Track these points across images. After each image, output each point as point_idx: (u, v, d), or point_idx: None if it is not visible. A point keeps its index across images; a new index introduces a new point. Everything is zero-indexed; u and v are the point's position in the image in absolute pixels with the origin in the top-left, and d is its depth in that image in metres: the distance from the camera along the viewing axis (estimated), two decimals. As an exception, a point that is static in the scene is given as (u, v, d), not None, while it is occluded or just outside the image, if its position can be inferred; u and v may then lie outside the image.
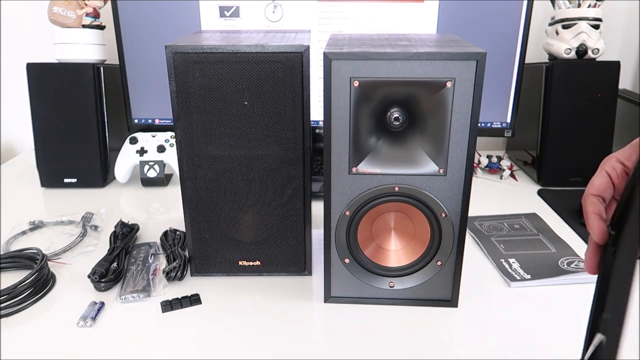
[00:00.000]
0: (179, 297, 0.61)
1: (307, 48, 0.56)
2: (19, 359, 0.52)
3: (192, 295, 0.62)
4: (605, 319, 0.32)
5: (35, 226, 0.81)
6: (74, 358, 0.52)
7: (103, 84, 0.94)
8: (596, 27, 0.96)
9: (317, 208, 0.61)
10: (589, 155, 0.97)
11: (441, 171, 0.54)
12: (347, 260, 0.59)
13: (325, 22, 0.93)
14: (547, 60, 1.02)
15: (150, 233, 0.78)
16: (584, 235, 0.78)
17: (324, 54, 0.51)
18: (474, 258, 0.72)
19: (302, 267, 0.67)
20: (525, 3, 0.92)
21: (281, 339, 0.55)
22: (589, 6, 0.96)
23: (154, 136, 1.00)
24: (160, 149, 0.99)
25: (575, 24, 0.96)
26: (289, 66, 0.57)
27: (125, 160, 0.99)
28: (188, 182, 0.62)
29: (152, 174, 0.99)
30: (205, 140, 0.60)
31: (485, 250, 0.73)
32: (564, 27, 0.97)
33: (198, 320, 0.58)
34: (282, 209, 0.63)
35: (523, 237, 0.77)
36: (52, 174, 0.98)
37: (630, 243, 0.31)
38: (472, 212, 0.57)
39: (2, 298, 0.58)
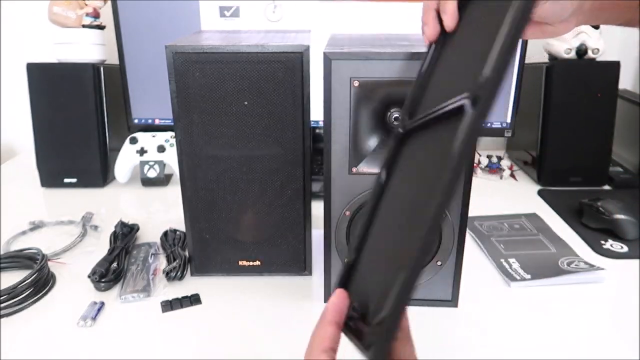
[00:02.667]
0: (179, 297, 0.61)
1: (307, 48, 0.56)
2: (19, 359, 0.52)
3: (192, 295, 0.62)
4: None
5: (35, 226, 0.81)
6: (74, 358, 0.52)
7: (103, 84, 0.94)
8: (596, 26, 0.96)
9: (317, 208, 0.61)
10: (589, 155, 0.97)
11: (441, 171, 0.54)
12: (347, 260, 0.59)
13: (325, 22, 0.93)
14: (547, 60, 1.02)
15: (150, 233, 0.78)
16: (584, 235, 0.78)
17: (324, 54, 0.51)
18: (474, 258, 0.72)
19: (302, 267, 0.66)
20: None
21: (281, 339, 0.55)
22: (589, 6, 0.96)
23: (154, 136, 1.00)
24: (160, 149, 0.99)
25: (575, 23, 0.95)
26: (289, 66, 0.56)
27: (125, 160, 0.99)
28: (188, 182, 0.62)
29: (152, 174, 0.99)
30: (205, 140, 0.60)
31: (485, 250, 0.73)
32: (564, 27, 0.97)
33: (198, 320, 0.58)
34: (282, 209, 0.63)
35: (523, 237, 0.77)
36: (52, 174, 0.97)
37: None
38: (472, 212, 0.57)
39: (2, 298, 0.58)
